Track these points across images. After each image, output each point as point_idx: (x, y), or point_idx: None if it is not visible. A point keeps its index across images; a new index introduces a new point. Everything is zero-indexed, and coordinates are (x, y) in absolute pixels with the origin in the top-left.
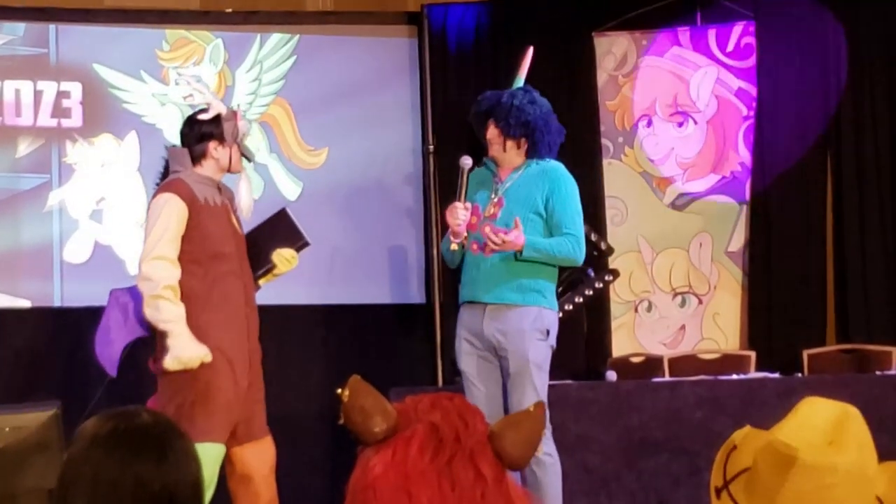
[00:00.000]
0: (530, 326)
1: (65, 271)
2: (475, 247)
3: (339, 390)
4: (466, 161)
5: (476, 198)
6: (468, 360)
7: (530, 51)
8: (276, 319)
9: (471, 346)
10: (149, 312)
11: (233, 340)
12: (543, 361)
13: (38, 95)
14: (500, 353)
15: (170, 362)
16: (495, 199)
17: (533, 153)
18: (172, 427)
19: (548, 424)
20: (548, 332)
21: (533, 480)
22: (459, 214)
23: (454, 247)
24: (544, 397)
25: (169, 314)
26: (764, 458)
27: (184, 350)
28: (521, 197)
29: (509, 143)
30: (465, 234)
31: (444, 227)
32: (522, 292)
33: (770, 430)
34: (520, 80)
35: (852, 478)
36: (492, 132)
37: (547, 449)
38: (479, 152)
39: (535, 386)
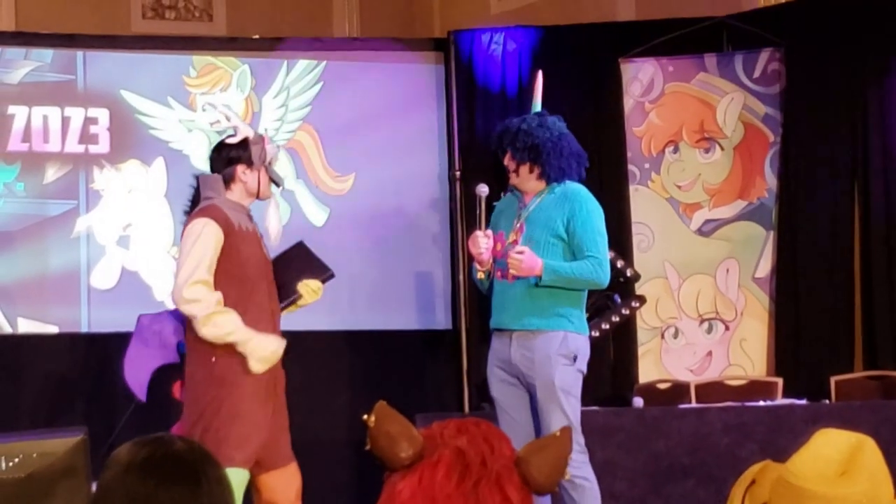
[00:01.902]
0: (556, 352)
1: (92, 297)
2: (499, 274)
3: (366, 416)
4: (483, 189)
5: (501, 225)
6: (499, 387)
7: (540, 75)
8: (302, 345)
9: (501, 372)
10: (207, 331)
11: None
12: (571, 386)
13: (65, 122)
14: (528, 379)
15: (256, 366)
16: (517, 226)
17: (546, 177)
18: (206, 455)
19: (584, 449)
20: (575, 357)
21: None
22: (480, 243)
23: (480, 275)
24: (576, 423)
25: (229, 325)
26: (777, 492)
27: (263, 349)
28: (540, 221)
29: (522, 168)
30: (491, 261)
31: (471, 254)
32: (546, 317)
33: (784, 463)
34: (536, 105)
35: None
36: (507, 159)
37: (584, 473)
38: (504, 178)
39: (564, 412)
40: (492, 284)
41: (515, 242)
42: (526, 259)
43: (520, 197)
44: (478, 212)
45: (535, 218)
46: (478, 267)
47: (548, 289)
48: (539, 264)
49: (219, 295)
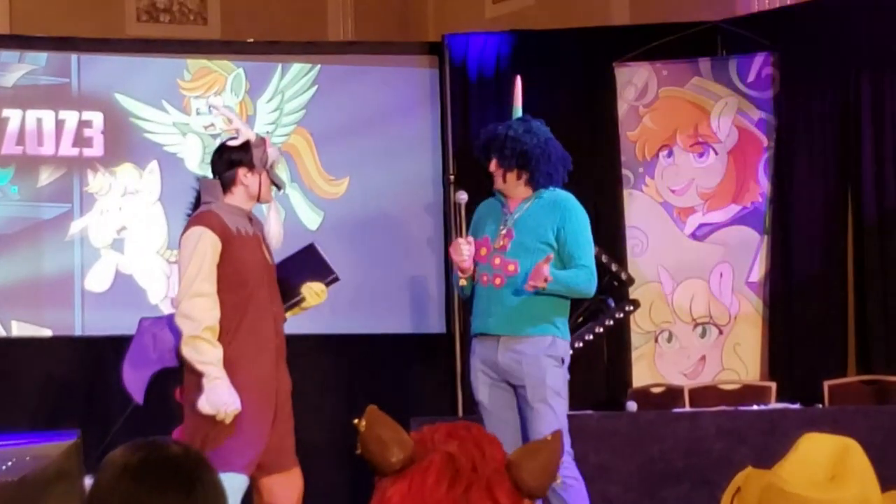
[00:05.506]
0: (545, 353)
1: (86, 300)
2: (485, 278)
3: (356, 420)
4: (462, 196)
5: (486, 230)
6: (484, 390)
7: (518, 80)
8: (296, 349)
9: (486, 376)
10: (187, 352)
11: (261, 372)
12: (562, 388)
13: (59, 125)
14: (516, 381)
15: (203, 405)
16: (504, 231)
17: (533, 183)
18: (202, 459)
19: (569, 450)
20: (563, 360)
21: None
22: (463, 250)
23: (462, 282)
24: (564, 424)
25: (208, 356)
26: (769, 499)
27: (219, 396)
28: (530, 228)
29: (509, 175)
30: (472, 267)
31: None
32: (534, 323)
33: (772, 469)
34: (518, 111)
35: None
36: (492, 165)
37: (572, 473)
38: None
39: (555, 413)
40: (473, 290)
41: (504, 248)
42: (546, 274)
43: (503, 202)
44: (458, 219)
45: (524, 224)
46: (460, 274)
47: (536, 297)
48: (547, 272)
49: (212, 319)
